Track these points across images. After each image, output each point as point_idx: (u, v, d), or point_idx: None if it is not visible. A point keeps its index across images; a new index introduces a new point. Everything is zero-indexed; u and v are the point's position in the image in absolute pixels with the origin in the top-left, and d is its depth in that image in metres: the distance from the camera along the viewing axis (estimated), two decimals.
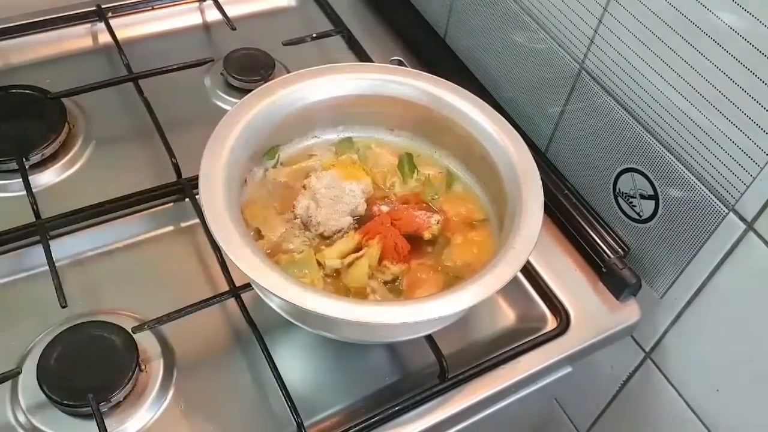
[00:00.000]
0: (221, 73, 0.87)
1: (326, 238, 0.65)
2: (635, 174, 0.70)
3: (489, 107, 0.69)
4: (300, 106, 0.69)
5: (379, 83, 0.70)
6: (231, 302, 0.67)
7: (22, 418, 0.60)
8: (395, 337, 0.64)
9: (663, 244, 0.70)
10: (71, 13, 0.90)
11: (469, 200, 0.70)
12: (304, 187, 0.68)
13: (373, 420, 0.62)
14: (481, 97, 0.70)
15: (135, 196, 0.73)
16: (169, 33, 0.94)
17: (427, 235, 0.66)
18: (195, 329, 0.66)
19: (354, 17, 0.98)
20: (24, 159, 0.75)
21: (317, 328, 0.62)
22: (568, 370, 0.71)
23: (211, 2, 0.93)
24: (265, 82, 0.69)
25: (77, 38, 0.91)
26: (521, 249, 0.59)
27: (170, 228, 0.75)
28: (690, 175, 0.64)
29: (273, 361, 0.63)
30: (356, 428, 0.61)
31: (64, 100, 0.81)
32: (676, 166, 0.65)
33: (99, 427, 0.58)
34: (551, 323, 0.71)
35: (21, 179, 0.73)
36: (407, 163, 0.71)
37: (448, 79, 0.71)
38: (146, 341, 0.65)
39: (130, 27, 0.92)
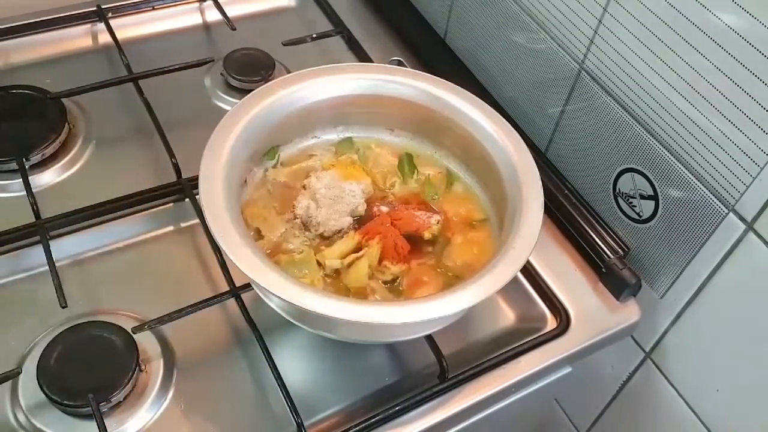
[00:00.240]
0: (221, 73, 0.87)
1: (326, 238, 0.65)
2: (635, 174, 0.70)
3: (489, 107, 0.69)
4: (300, 106, 0.69)
5: (379, 83, 0.70)
6: (231, 302, 0.67)
7: (22, 418, 0.60)
8: (395, 337, 0.64)
9: (663, 244, 0.70)
10: (71, 13, 0.90)
11: (469, 200, 0.70)
12: (304, 187, 0.68)
13: (373, 420, 0.62)
14: (481, 97, 0.70)
15: (135, 196, 0.73)
16: (169, 33, 0.94)
17: (427, 235, 0.66)
18: (195, 329, 0.66)
19: (354, 17, 0.98)
20: (24, 159, 0.75)
21: (317, 328, 0.62)
22: (568, 370, 0.71)
23: (211, 2, 0.93)
24: (265, 82, 0.69)
25: (77, 38, 0.91)
26: (521, 249, 0.59)
27: (170, 228, 0.75)
28: (690, 175, 0.64)
29: (273, 361, 0.63)
30: (356, 428, 0.61)
31: (64, 100, 0.81)
32: (676, 166, 0.65)
33: (99, 427, 0.58)
34: (551, 323, 0.71)
35: (21, 179, 0.73)
36: (407, 163, 0.71)
37: (448, 79, 0.71)
38: (146, 341, 0.65)
39: (130, 27, 0.92)
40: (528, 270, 0.74)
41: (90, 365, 0.61)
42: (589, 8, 0.69)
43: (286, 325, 0.62)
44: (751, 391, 0.67)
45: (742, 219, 0.62)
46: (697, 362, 0.72)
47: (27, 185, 0.72)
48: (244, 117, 0.65)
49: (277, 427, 0.62)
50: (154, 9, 0.94)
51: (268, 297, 0.62)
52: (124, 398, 0.61)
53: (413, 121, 0.72)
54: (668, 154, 0.66)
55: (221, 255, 0.68)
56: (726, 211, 0.62)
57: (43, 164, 0.77)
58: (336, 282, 0.63)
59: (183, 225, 0.75)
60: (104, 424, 0.58)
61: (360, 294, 0.62)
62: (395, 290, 0.63)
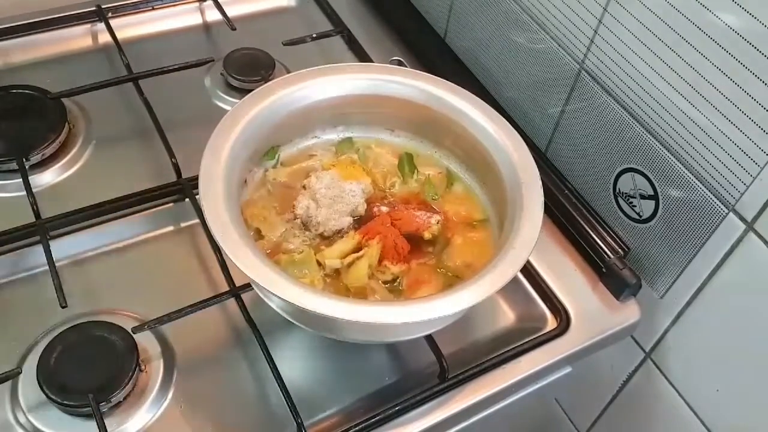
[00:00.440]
0: (221, 73, 0.87)
1: (326, 238, 0.65)
2: (635, 174, 0.70)
3: (489, 107, 0.69)
4: (300, 106, 0.69)
5: (379, 83, 0.70)
6: (231, 302, 0.67)
7: (22, 418, 0.60)
8: (395, 337, 0.64)
9: (663, 244, 0.70)
10: (71, 13, 0.90)
11: (469, 200, 0.70)
12: (304, 187, 0.68)
13: (373, 420, 0.62)
14: (481, 97, 0.70)
15: (135, 196, 0.73)
16: (169, 33, 0.94)
17: (427, 235, 0.66)
18: (195, 329, 0.66)
19: (354, 17, 0.98)
20: (24, 159, 0.75)
21: (317, 328, 0.62)
22: (568, 370, 0.71)
23: (211, 2, 0.93)
24: (265, 82, 0.69)
25: (77, 38, 0.91)
26: (521, 249, 0.59)
27: (170, 228, 0.75)
28: (690, 175, 0.64)
29: (273, 361, 0.63)
30: (356, 428, 0.61)
31: (64, 100, 0.81)
32: (676, 166, 0.65)
33: (99, 427, 0.58)
34: (551, 323, 0.71)
35: (21, 179, 0.73)
36: (407, 163, 0.71)
37: (448, 79, 0.71)
38: (146, 341, 0.65)
39: (130, 27, 0.92)
40: (528, 270, 0.74)
41: (90, 365, 0.61)
42: (589, 8, 0.69)
43: (286, 325, 0.62)
44: (751, 391, 0.67)
45: (742, 219, 0.62)
46: (697, 362, 0.72)
47: (27, 185, 0.72)
48: (244, 117, 0.65)
49: (277, 427, 0.62)
50: (154, 9, 0.94)
51: (268, 297, 0.62)
52: (124, 398, 0.61)
53: (413, 121, 0.72)
54: (668, 154, 0.66)
55: (221, 255, 0.68)
56: (726, 211, 0.62)
57: (43, 164, 0.77)
58: (336, 282, 0.63)
59: (183, 225, 0.75)
60: (104, 424, 0.58)
61: (360, 294, 0.62)
62: (395, 290, 0.63)
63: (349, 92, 0.70)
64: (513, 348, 0.68)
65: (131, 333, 0.63)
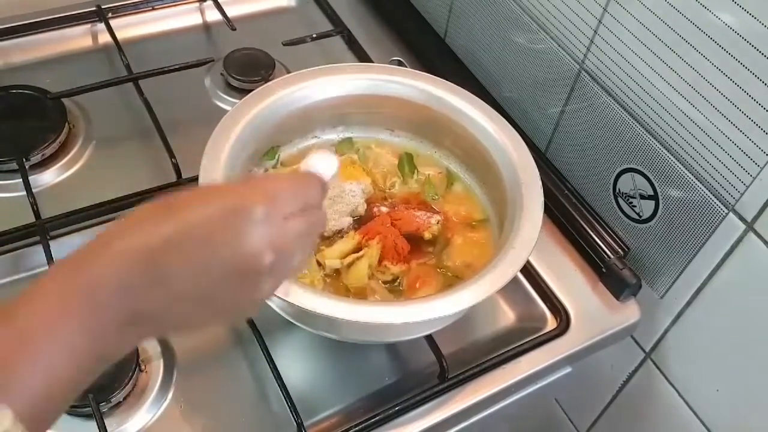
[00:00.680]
0: (221, 73, 0.87)
1: (326, 238, 0.65)
2: (635, 174, 0.70)
3: (489, 107, 0.70)
4: (300, 106, 0.69)
5: (379, 83, 0.70)
6: None
7: None
8: (395, 337, 0.64)
9: (663, 245, 0.70)
10: (71, 13, 0.90)
11: (469, 200, 0.70)
12: None
13: (373, 420, 0.62)
14: (480, 97, 0.70)
15: (135, 196, 0.73)
16: (169, 33, 0.94)
17: (427, 235, 0.66)
18: None
19: (354, 17, 0.98)
20: (24, 159, 0.75)
21: (317, 328, 0.62)
22: (568, 370, 0.71)
23: (211, 2, 0.93)
24: (265, 82, 0.69)
25: (77, 38, 0.91)
26: (521, 249, 0.59)
27: None
28: (690, 175, 0.64)
29: (273, 361, 0.63)
30: (356, 428, 0.61)
31: (64, 100, 0.81)
32: (676, 166, 0.65)
33: (99, 427, 0.58)
34: (551, 323, 0.71)
35: (21, 179, 0.73)
36: (407, 163, 0.72)
37: (448, 79, 0.71)
38: (146, 341, 0.65)
39: (130, 27, 0.92)
40: (528, 270, 0.74)
41: None
42: (589, 8, 0.69)
43: (286, 325, 0.62)
44: (751, 391, 0.67)
45: (742, 219, 0.62)
46: (697, 362, 0.72)
47: (27, 185, 0.72)
48: (244, 117, 0.65)
49: (277, 427, 0.62)
50: (154, 9, 0.94)
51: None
52: (124, 398, 0.61)
53: (413, 121, 0.72)
54: (668, 154, 0.66)
55: None
56: (726, 211, 0.62)
57: (43, 164, 0.77)
58: (336, 282, 0.63)
59: None
60: (104, 424, 0.58)
61: (360, 294, 0.62)
62: (395, 290, 0.63)
63: (349, 92, 0.70)
64: (513, 348, 0.68)
65: None
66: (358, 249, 0.64)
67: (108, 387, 0.60)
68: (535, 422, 0.95)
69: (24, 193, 0.72)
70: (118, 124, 0.82)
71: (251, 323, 0.65)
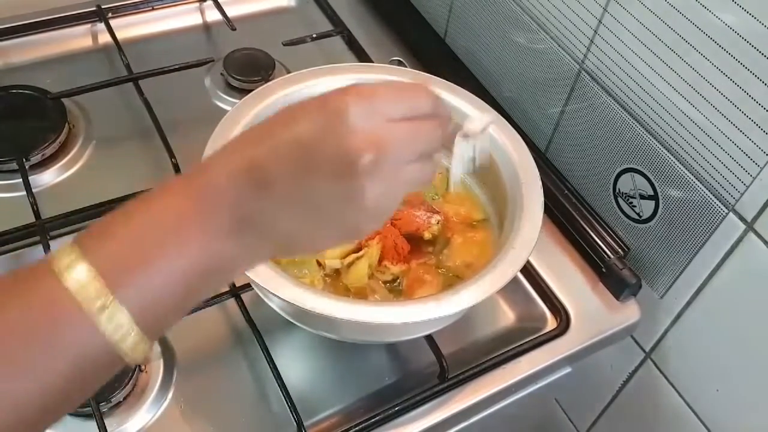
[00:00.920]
0: (221, 73, 0.87)
1: None
2: (635, 174, 0.70)
3: (489, 107, 0.69)
4: None
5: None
6: (231, 302, 0.67)
7: None
8: (395, 337, 0.64)
9: (663, 245, 0.70)
10: (71, 13, 0.90)
11: (469, 200, 0.70)
12: None
13: (373, 420, 0.62)
14: (480, 97, 0.70)
15: (135, 196, 0.73)
16: (169, 33, 0.94)
17: (427, 235, 0.66)
18: (195, 329, 0.66)
19: (354, 17, 0.98)
20: (24, 159, 0.75)
21: (317, 328, 0.62)
22: (568, 370, 0.71)
23: (211, 2, 0.93)
24: (265, 82, 0.69)
25: (77, 38, 0.91)
26: (521, 249, 0.59)
27: None
28: (690, 175, 0.64)
29: (273, 361, 0.63)
30: (356, 428, 0.61)
31: (64, 100, 0.81)
32: (676, 166, 0.65)
33: (99, 427, 0.58)
34: (551, 323, 0.71)
35: (21, 179, 0.73)
36: None
37: (448, 79, 0.71)
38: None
39: (130, 27, 0.92)
40: (528, 270, 0.74)
41: None
42: (589, 8, 0.69)
43: (286, 325, 0.62)
44: (751, 391, 0.67)
45: (742, 219, 0.62)
46: (697, 362, 0.72)
47: (27, 185, 0.72)
48: (244, 117, 0.65)
49: (277, 427, 0.62)
50: (154, 9, 0.94)
51: (268, 297, 0.62)
52: (124, 398, 0.61)
53: None
54: (668, 154, 0.66)
55: None
56: (726, 211, 0.62)
57: (43, 164, 0.77)
58: (336, 282, 0.63)
59: None
60: (104, 424, 0.58)
61: (360, 294, 0.62)
62: (395, 290, 0.63)
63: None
64: (513, 348, 0.68)
65: None
66: (358, 249, 0.64)
67: (108, 387, 0.60)
68: (535, 422, 0.95)
69: (24, 193, 0.72)
70: (118, 124, 0.82)
71: (251, 323, 0.65)
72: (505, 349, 0.68)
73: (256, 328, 0.65)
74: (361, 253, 0.63)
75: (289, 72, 0.87)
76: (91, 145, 0.80)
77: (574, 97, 0.74)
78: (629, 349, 0.78)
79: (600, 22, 0.68)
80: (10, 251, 0.70)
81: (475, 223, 0.69)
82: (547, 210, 0.65)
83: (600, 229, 0.75)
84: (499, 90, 0.85)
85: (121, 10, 0.92)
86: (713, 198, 0.63)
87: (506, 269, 0.57)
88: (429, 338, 0.65)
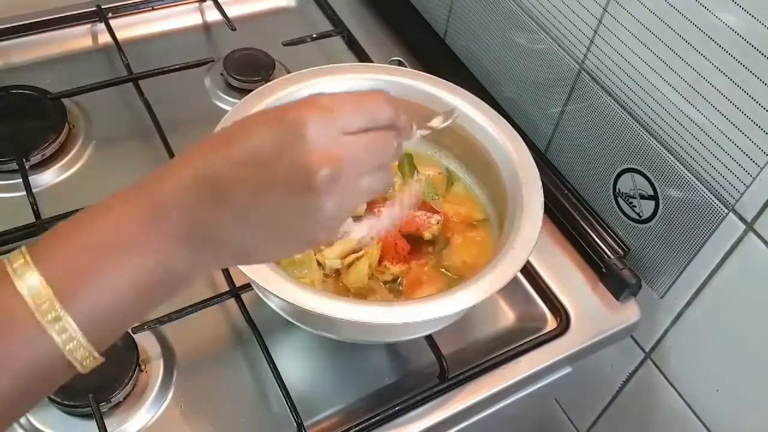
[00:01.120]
0: (221, 74, 0.87)
1: None
2: (635, 174, 0.70)
3: (489, 107, 0.69)
4: None
5: (379, 83, 0.70)
6: (231, 302, 0.67)
7: (22, 419, 0.60)
8: (395, 337, 0.64)
9: (663, 245, 0.70)
10: (71, 13, 0.90)
11: (469, 200, 0.70)
12: None
13: (373, 420, 0.62)
14: (480, 97, 0.70)
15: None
16: (169, 33, 0.94)
17: (427, 235, 0.66)
18: (195, 329, 0.66)
19: (354, 17, 0.98)
20: (24, 159, 0.75)
21: (317, 328, 0.62)
22: (568, 370, 0.71)
23: (211, 2, 0.93)
24: (265, 82, 0.69)
25: (77, 38, 0.91)
26: (521, 249, 0.59)
27: None
28: (690, 175, 0.64)
29: (273, 361, 0.63)
30: (356, 428, 0.61)
31: (64, 100, 0.81)
32: (676, 167, 0.65)
33: (99, 427, 0.58)
34: (551, 323, 0.71)
35: (21, 179, 0.73)
36: (407, 163, 0.71)
37: (448, 79, 0.71)
38: (146, 341, 0.65)
39: (130, 27, 0.92)
40: (528, 270, 0.74)
41: None
42: (589, 8, 0.69)
43: (286, 325, 0.62)
44: (751, 391, 0.67)
45: (742, 219, 0.62)
46: (697, 362, 0.72)
47: (27, 185, 0.72)
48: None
49: (277, 427, 0.62)
50: (154, 9, 0.94)
51: (268, 297, 0.62)
52: (124, 398, 0.61)
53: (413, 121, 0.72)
54: (668, 154, 0.66)
55: None
56: (726, 211, 0.62)
57: (43, 164, 0.77)
58: (336, 282, 0.63)
59: None
60: (104, 424, 0.58)
61: (360, 294, 0.62)
62: (395, 290, 0.63)
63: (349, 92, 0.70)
64: (513, 348, 0.68)
65: (131, 333, 0.63)
66: (358, 249, 0.64)
67: (108, 387, 0.60)
68: (535, 422, 0.95)
69: (24, 193, 0.72)
70: (118, 124, 0.82)
71: (251, 323, 0.65)
72: (505, 349, 0.68)
73: (256, 328, 0.65)
74: (361, 253, 0.63)
75: (289, 72, 0.87)
76: (91, 145, 0.80)
77: (574, 97, 0.74)
78: (629, 349, 0.78)
79: (600, 22, 0.68)
80: (10, 251, 0.69)
81: (475, 223, 0.69)
82: (547, 210, 0.65)
83: (600, 229, 0.75)
84: (499, 90, 0.85)
85: (121, 10, 0.92)
86: (713, 198, 0.63)
87: (506, 269, 0.57)
88: (429, 338, 0.65)
